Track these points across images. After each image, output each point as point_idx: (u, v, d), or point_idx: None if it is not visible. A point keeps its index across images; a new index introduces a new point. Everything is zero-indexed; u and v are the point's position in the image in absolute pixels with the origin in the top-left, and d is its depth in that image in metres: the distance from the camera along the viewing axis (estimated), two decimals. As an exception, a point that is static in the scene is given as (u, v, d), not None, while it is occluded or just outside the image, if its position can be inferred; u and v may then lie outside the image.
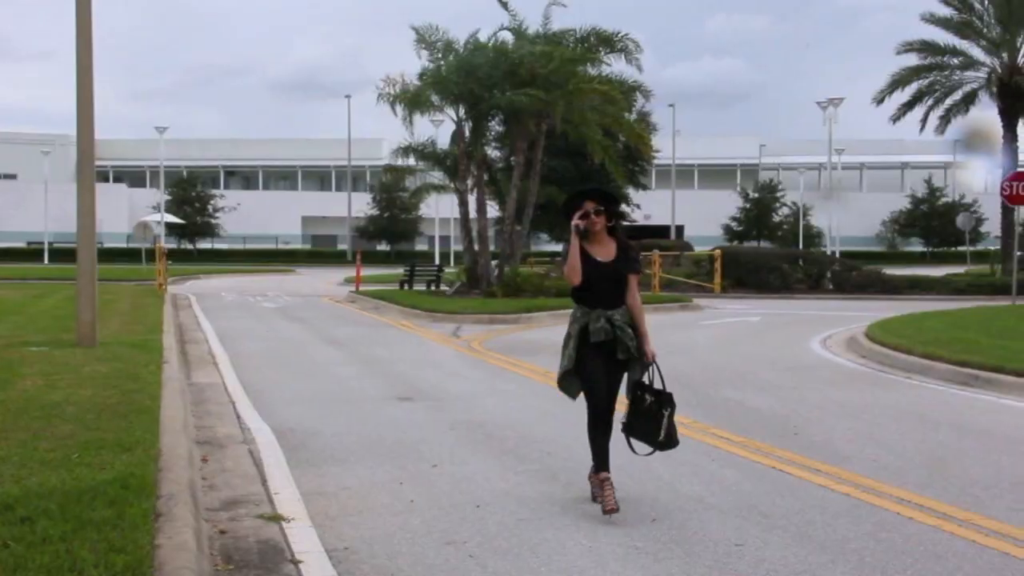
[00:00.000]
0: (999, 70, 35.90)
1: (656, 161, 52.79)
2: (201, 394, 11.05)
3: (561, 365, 6.44)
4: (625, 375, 6.45)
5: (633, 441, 6.47)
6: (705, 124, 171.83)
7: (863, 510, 6.37)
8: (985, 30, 36.20)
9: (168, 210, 64.04)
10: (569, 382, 6.45)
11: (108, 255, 50.08)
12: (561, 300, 25.07)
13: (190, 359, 14.40)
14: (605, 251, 6.40)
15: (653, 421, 6.31)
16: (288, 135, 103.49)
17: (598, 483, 6.27)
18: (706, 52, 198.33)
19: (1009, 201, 26.21)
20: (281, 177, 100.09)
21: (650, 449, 6.41)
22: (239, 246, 74.99)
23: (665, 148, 58.47)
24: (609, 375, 6.34)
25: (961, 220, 54.28)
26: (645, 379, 6.40)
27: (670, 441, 6.33)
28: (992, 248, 47.32)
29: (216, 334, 18.42)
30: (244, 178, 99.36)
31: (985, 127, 34.31)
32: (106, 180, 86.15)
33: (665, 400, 6.31)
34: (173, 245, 65.78)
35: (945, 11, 36.45)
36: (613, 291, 6.36)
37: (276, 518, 6.04)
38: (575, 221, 6.29)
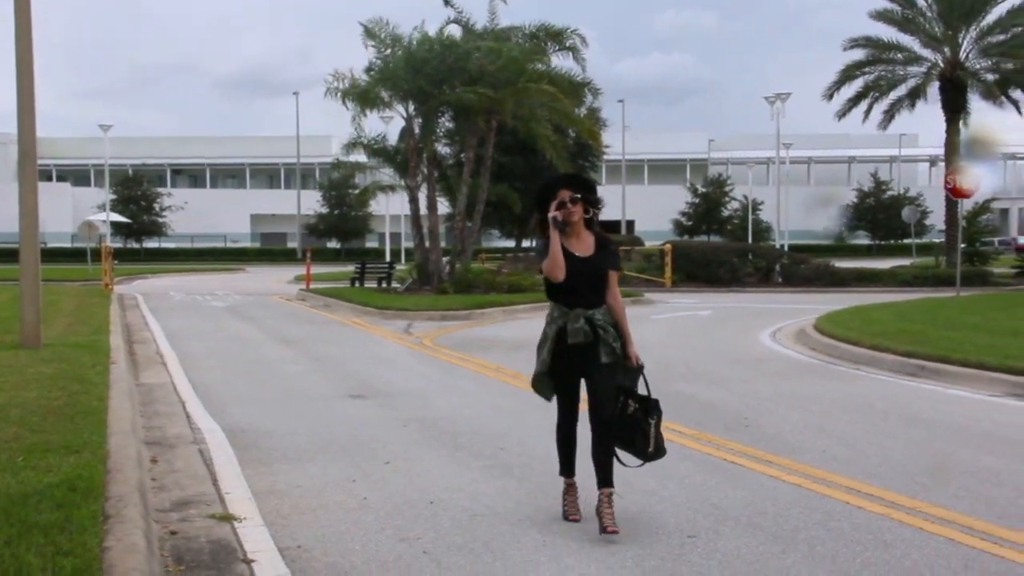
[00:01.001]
0: (941, 65, 36.48)
1: (606, 156, 53.10)
2: (150, 395, 10.91)
3: (536, 367, 5.99)
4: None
5: (620, 452, 5.91)
6: (654, 119, 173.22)
7: (813, 500, 6.44)
8: (927, 26, 36.76)
9: (114, 209, 63.13)
10: (543, 384, 5.98)
11: (52, 255, 49.32)
12: (512, 296, 25.17)
13: (138, 359, 14.22)
14: (583, 245, 5.87)
15: (639, 430, 5.83)
16: (236, 133, 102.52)
17: (566, 487, 6.02)
18: (655, 48, 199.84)
19: (953, 194, 26.64)
20: (229, 175, 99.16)
21: (639, 462, 5.96)
22: (187, 245, 74.14)
23: (615, 144, 58.77)
24: (589, 379, 5.82)
25: (906, 213, 54.98)
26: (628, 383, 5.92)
27: (658, 452, 5.91)
28: (936, 241, 48.09)
29: (164, 334, 18.21)
30: (191, 176, 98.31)
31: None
32: (49, 179, 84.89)
33: (651, 407, 5.87)
34: (119, 244, 64.96)
35: (889, 7, 36.97)
36: (592, 289, 5.83)
37: (228, 518, 5.98)
38: (552, 213, 5.75)
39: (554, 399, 6.03)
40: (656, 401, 5.90)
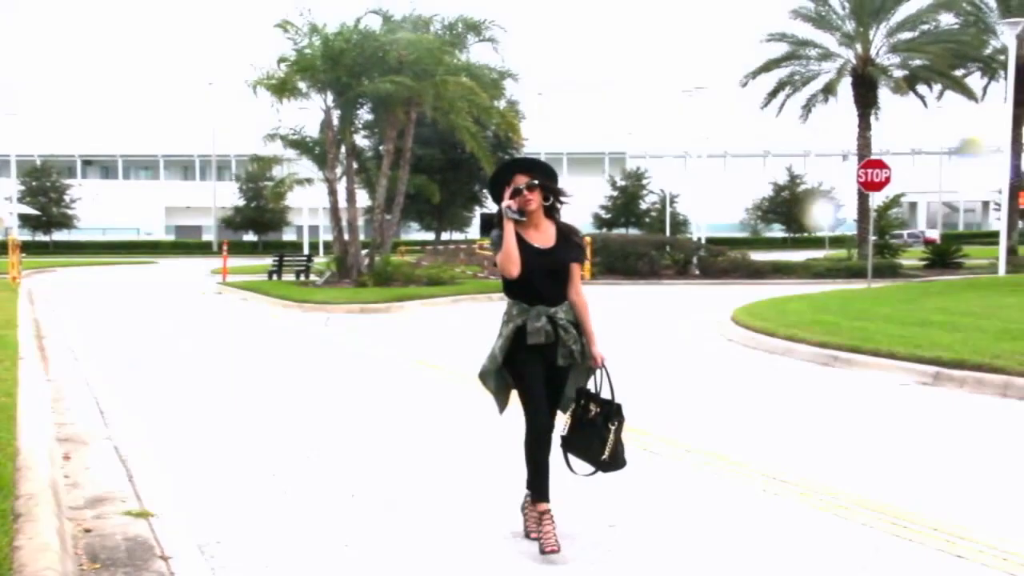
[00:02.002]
0: (854, 61, 37.29)
1: (525, 149, 53.17)
2: (61, 391, 10.65)
3: (484, 363, 5.45)
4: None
5: (572, 458, 5.50)
6: (575, 112, 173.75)
7: (731, 488, 6.54)
8: (840, 23, 37.59)
9: (21, 200, 61.61)
10: (490, 380, 5.44)
11: (-44, 248, 47.96)
12: (432, 289, 25.16)
13: (48, 354, 13.88)
14: (542, 236, 5.36)
15: (596, 436, 5.33)
16: (149, 123, 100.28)
17: (536, 516, 5.36)
18: (577, 40, 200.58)
19: (864, 188, 27.23)
20: (142, 167, 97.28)
21: (591, 469, 5.45)
22: (99, 237, 72.59)
23: (534, 136, 58.88)
24: (551, 384, 5.37)
25: (821, 206, 56.17)
26: (591, 386, 5.48)
27: (615, 461, 5.37)
28: (849, 233, 49.09)
29: (76, 328, 17.80)
30: (103, 168, 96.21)
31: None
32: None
33: (613, 412, 5.34)
34: (27, 237, 63.37)
35: (805, 4, 37.76)
36: (553, 284, 5.34)
37: (144, 514, 5.87)
38: (506, 202, 5.25)
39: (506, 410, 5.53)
40: (619, 406, 5.38)
